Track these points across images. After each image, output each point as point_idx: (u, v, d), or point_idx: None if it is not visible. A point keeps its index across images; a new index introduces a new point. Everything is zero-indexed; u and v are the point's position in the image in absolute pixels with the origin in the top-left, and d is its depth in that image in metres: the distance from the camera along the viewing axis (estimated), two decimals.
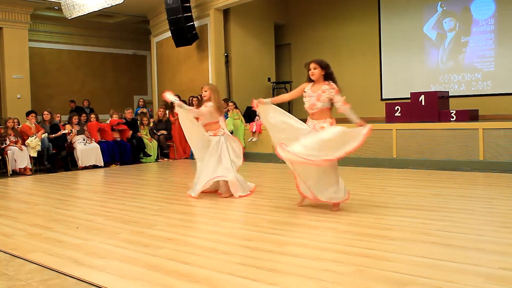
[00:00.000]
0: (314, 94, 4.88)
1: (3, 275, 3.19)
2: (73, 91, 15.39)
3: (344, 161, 8.16)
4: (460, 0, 11.25)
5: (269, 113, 5.09)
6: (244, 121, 11.46)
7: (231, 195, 5.93)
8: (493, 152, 7.91)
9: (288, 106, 13.57)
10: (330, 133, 4.73)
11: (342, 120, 5.12)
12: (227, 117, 11.52)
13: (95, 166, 10.18)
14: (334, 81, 4.92)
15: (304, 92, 4.96)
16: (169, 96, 6.02)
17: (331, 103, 4.89)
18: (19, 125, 10.24)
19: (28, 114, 10.14)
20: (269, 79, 13.51)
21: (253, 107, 5.16)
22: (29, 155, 9.53)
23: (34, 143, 9.59)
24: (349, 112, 4.83)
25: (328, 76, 4.92)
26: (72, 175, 9.27)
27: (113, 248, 3.76)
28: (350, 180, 6.96)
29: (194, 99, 11.92)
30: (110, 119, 11.26)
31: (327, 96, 4.84)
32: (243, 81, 12.97)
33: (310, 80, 4.96)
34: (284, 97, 5.31)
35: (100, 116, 13.25)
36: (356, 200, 5.41)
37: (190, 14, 12.11)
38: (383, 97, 12.31)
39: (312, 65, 4.91)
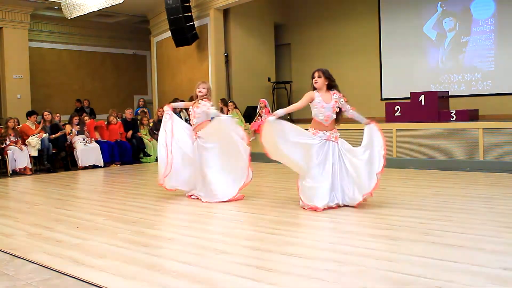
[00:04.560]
0: (328, 105, 4.97)
1: (3, 275, 3.19)
2: (73, 91, 15.39)
3: None
4: (460, 0, 11.25)
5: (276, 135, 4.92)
6: (244, 121, 11.46)
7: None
8: (493, 152, 7.91)
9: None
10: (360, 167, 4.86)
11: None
12: None
13: (95, 166, 10.18)
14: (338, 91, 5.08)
15: (315, 102, 4.98)
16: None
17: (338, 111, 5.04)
18: (19, 125, 10.24)
19: (30, 114, 10.14)
20: (269, 79, 13.50)
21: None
22: (29, 155, 9.53)
23: (35, 141, 9.59)
24: (357, 115, 5.06)
25: (332, 86, 5.05)
26: (72, 175, 9.27)
27: (113, 248, 3.76)
28: None
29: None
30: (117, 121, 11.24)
31: (338, 105, 5.00)
32: (243, 81, 12.98)
33: (314, 88, 5.04)
34: (296, 106, 5.13)
35: (101, 116, 13.29)
36: None
37: (190, 14, 12.12)
38: (383, 97, 12.31)
39: (316, 74, 5.01)
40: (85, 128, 10.43)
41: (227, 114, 11.60)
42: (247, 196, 6.02)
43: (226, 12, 12.79)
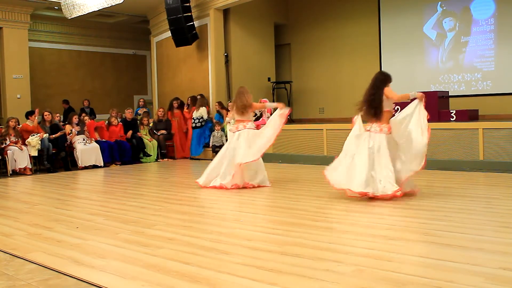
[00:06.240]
0: None
1: (3, 275, 3.19)
2: (73, 91, 15.38)
3: None
4: (460, 0, 11.24)
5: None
6: None
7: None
8: (493, 152, 7.90)
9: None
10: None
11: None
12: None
13: (95, 166, 10.18)
14: None
15: None
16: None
17: None
18: (19, 125, 10.23)
19: (30, 114, 10.13)
20: (269, 79, 13.50)
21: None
22: (29, 155, 9.53)
23: (35, 141, 9.59)
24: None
25: None
26: (72, 175, 9.27)
27: (113, 248, 3.76)
28: None
29: (189, 99, 11.96)
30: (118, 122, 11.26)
31: None
32: (243, 81, 12.93)
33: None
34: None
35: (101, 116, 13.29)
36: (356, 200, 5.41)
37: (190, 14, 12.11)
38: None
39: None
40: (85, 128, 10.43)
41: (227, 116, 11.61)
42: (247, 196, 6.03)
43: (226, 12, 12.78)
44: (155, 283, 2.90)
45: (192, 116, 11.64)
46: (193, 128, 11.51)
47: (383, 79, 5.64)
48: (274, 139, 6.79)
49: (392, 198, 5.16)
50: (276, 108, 6.89)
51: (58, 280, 3.06)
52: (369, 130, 5.46)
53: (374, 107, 5.47)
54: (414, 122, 5.45)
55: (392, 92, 5.55)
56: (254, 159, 6.49)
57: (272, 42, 13.95)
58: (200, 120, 11.40)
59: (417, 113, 5.52)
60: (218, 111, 11.88)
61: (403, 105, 6.28)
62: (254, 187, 6.57)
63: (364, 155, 5.33)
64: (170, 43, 12.95)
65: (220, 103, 11.94)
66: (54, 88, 15.09)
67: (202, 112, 11.47)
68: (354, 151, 5.44)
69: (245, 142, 6.55)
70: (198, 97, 11.89)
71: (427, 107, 9.58)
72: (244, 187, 6.52)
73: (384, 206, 5.03)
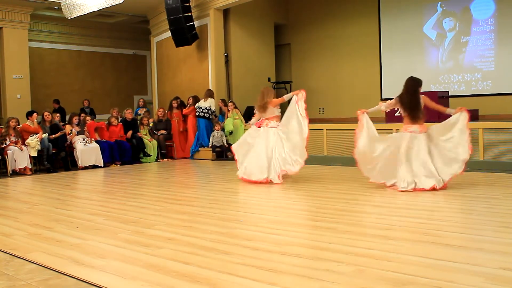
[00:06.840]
0: None
1: (3, 275, 3.19)
2: (73, 91, 15.38)
3: (345, 161, 8.13)
4: (460, 0, 11.25)
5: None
6: (243, 121, 11.45)
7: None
8: (493, 152, 7.90)
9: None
10: None
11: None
12: (227, 117, 11.53)
13: (95, 166, 10.17)
14: None
15: None
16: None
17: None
18: (19, 125, 10.22)
19: (30, 114, 10.12)
20: (269, 79, 13.50)
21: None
22: (29, 155, 9.53)
23: (34, 142, 9.58)
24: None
25: None
26: (72, 175, 9.27)
27: (113, 248, 3.76)
28: (351, 180, 6.97)
29: (190, 98, 11.95)
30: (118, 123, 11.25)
31: None
32: (243, 81, 12.97)
33: None
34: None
35: (101, 116, 13.29)
36: (356, 200, 5.42)
37: (190, 14, 12.11)
38: (383, 97, 12.30)
39: None
40: (85, 128, 10.42)
41: (227, 114, 11.62)
42: (246, 196, 6.04)
43: (226, 12, 12.79)
44: (155, 283, 2.90)
45: (193, 109, 11.57)
46: (200, 117, 11.43)
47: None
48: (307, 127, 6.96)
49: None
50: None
51: (58, 280, 3.06)
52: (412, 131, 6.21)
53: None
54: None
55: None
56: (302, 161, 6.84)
57: (272, 42, 13.96)
58: (208, 112, 11.34)
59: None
60: (220, 108, 11.89)
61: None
62: (266, 182, 6.73)
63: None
64: (170, 43, 12.95)
65: (223, 100, 11.95)
66: (54, 88, 15.08)
67: (210, 102, 11.42)
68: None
69: (276, 137, 6.99)
70: (194, 95, 11.86)
71: (427, 107, 9.63)
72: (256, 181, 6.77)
73: (384, 206, 5.03)
